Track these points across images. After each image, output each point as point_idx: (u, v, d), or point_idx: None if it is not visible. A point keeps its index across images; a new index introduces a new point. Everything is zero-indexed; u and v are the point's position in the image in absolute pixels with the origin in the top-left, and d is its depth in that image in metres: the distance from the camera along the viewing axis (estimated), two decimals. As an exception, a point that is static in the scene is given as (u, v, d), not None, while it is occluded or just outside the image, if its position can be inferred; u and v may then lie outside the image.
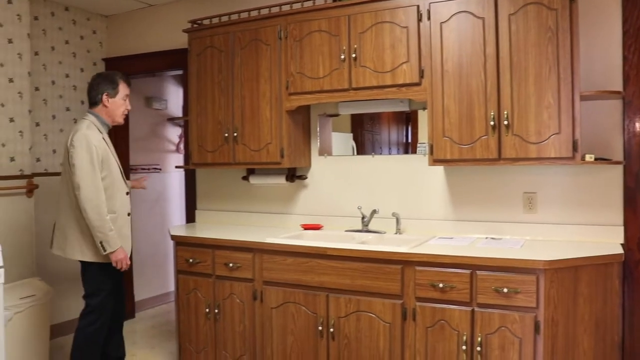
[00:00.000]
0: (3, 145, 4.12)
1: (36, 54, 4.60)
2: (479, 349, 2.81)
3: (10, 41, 4.15)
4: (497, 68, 3.03)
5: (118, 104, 3.52)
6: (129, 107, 3.61)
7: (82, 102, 4.92)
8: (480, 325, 2.81)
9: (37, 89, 4.61)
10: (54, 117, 4.70)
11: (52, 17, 4.75)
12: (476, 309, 2.83)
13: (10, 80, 4.16)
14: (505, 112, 3.01)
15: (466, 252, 2.92)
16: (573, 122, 2.89)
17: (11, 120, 4.18)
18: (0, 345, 3.36)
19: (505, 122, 3.01)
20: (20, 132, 4.24)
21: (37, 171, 4.38)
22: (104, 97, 3.48)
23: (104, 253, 3.34)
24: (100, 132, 3.46)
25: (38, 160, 4.57)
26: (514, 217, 3.38)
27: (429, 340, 2.95)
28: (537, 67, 2.95)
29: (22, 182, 4.18)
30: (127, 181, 3.68)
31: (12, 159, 4.18)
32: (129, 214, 3.55)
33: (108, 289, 3.51)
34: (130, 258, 3.53)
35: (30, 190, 4.25)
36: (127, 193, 3.56)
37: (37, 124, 4.58)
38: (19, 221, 4.18)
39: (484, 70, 3.07)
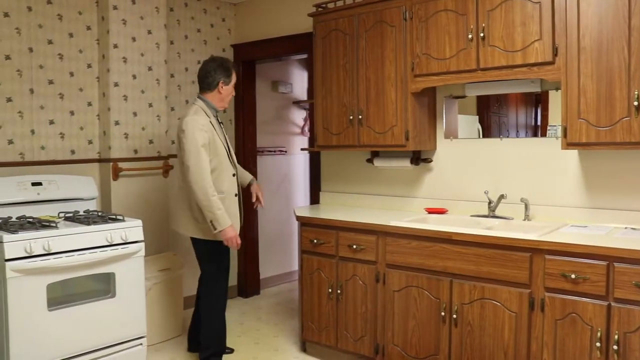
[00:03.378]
0: (143, 128, 4.44)
1: (171, 42, 4.87)
2: (615, 347, 2.62)
3: (149, 32, 4.44)
4: (643, 43, 2.78)
5: (229, 91, 3.71)
6: (234, 94, 3.81)
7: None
8: (617, 322, 2.63)
9: (172, 75, 4.89)
10: (186, 102, 4.97)
11: (185, 7, 5.01)
12: (613, 304, 2.65)
13: (150, 69, 4.46)
14: (652, 92, 2.77)
15: (602, 242, 2.73)
16: None
17: (150, 105, 4.48)
18: (142, 311, 3.67)
19: (651, 103, 2.76)
20: (158, 116, 4.54)
21: (172, 153, 4.63)
22: (220, 84, 3.65)
23: (215, 232, 3.47)
24: (208, 116, 3.60)
25: (173, 142, 4.85)
26: (659, 206, 3.12)
27: (558, 333, 2.81)
28: (691, 41, 2.67)
29: (159, 163, 4.49)
30: (237, 165, 3.81)
31: (150, 142, 4.50)
32: (236, 194, 3.69)
33: (217, 261, 3.69)
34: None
35: (167, 170, 4.56)
36: (234, 175, 3.68)
37: (172, 109, 4.86)
38: (156, 199, 4.50)
39: (627, 45, 2.82)
